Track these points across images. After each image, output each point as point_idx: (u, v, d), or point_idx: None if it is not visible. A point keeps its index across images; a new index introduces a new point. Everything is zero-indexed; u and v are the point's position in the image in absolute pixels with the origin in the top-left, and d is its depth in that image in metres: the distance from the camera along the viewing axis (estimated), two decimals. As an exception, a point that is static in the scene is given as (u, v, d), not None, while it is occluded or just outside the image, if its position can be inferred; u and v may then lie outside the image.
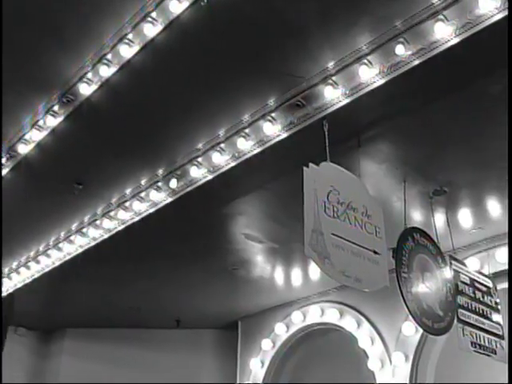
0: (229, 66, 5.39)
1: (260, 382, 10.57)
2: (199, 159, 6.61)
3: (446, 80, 5.35)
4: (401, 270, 5.89)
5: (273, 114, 5.93)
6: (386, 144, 6.29)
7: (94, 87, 5.68)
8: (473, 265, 7.95)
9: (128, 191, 7.34)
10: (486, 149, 6.39)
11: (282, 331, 10.49)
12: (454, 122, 5.93)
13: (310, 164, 5.09)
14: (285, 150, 6.15)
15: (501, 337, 7.15)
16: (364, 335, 9.39)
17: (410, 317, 5.94)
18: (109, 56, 5.42)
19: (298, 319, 10.32)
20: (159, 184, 7.08)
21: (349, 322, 9.62)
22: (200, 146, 6.50)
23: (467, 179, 6.99)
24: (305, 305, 10.33)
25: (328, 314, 9.94)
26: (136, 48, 5.28)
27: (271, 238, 8.13)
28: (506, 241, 8.18)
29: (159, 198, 7.20)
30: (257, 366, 10.65)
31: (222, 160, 6.50)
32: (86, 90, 5.71)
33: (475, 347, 6.65)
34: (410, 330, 8.74)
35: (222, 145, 6.38)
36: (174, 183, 6.94)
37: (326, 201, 5.06)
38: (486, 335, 6.89)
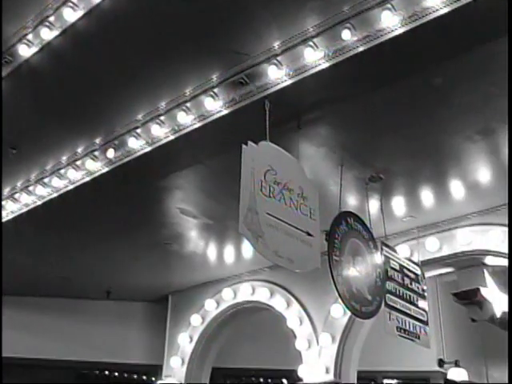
0: (173, 39, 5.34)
1: (188, 356, 10.59)
2: (138, 130, 6.54)
3: (388, 69, 5.41)
4: (333, 253, 5.94)
5: (215, 90, 5.90)
6: (325, 128, 6.34)
7: (35, 49, 5.54)
8: (403, 252, 8.12)
9: (64, 159, 7.21)
10: (423, 139, 6.50)
11: (211, 307, 10.52)
12: (394, 110, 6.02)
13: (249, 142, 5.08)
14: (225, 127, 6.14)
15: (425, 323, 7.33)
16: (293, 315, 9.48)
17: (339, 299, 6.02)
18: (51, 18, 5.29)
19: (229, 296, 10.36)
20: (96, 153, 6.98)
21: (279, 302, 9.71)
22: (140, 117, 6.43)
23: (403, 168, 7.11)
24: (236, 282, 10.38)
25: (258, 292, 10.00)
26: (80, 12, 5.17)
27: (206, 214, 8.12)
28: (437, 230, 8.39)
29: (95, 167, 7.10)
30: (185, 340, 10.67)
31: (161, 132, 6.44)
32: (25, 51, 5.56)
33: (400, 332, 6.80)
34: (339, 312, 8.88)
35: (162, 117, 6.32)
36: (111, 153, 6.85)
37: (262, 180, 5.06)
38: (412, 320, 7.05)
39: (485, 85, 5.63)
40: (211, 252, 9.47)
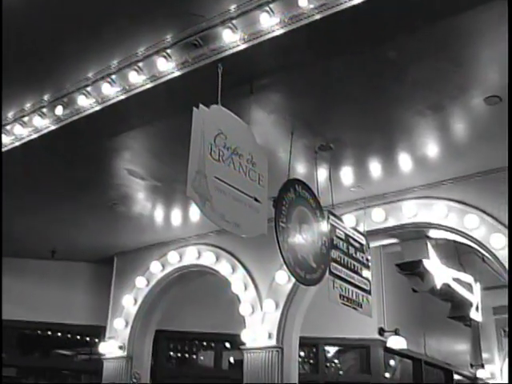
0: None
1: (131, 318, 10.58)
2: (88, 88, 6.43)
3: (344, 39, 5.41)
4: (279, 220, 5.98)
5: (168, 51, 5.82)
6: (277, 94, 6.33)
7: (-18, 4, 5.38)
8: (349, 221, 8.21)
9: (10, 114, 7.05)
10: (375, 111, 6.55)
11: (157, 270, 10.50)
12: (348, 81, 6.03)
13: (201, 105, 5.06)
14: (177, 89, 6.07)
15: (368, 292, 7.46)
16: (238, 280, 9.54)
17: (284, 266, 6.08)
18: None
19: (174, 259, 10.35)
20: (44, 110, 6.84)
21: (224, 267, 9.74)
22: (90, 75, 6.32)
23: (353, 138, 7.16)
24: (182, 246, 10.37)
25: (204, 256, 10.01)
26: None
27: (154, 175, 8.07)
28: (383, 201, 8.50)
29: (43, 124, 6.96)
30: (129, 302, 10.65)
31: (111, 92, 6.34)
32: (-28, 5, 5.39)
33: (343, 300, 6.90)
34: (283, 279, 8.95)
35: (113, 76, 6.22)
36: (59, 110, 6.73)
37: (212, 144, 5.05)
38: (355, 289, 7.17)
39: (439, 61, 5.69)
40: (158, 214, 9.43)
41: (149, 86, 6.13)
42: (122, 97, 6.32)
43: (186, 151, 4.87)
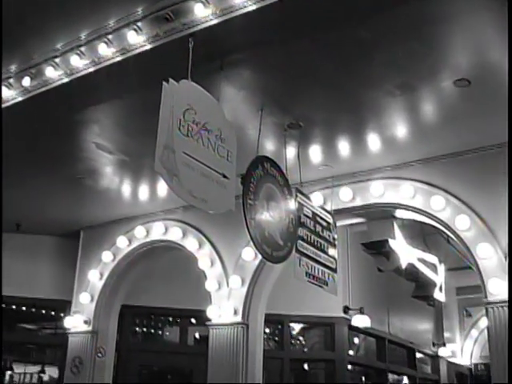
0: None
1: (97, 293, 10.55)
2: (57, 60, 6.34)
3: (316, 18, 5.39)
4: (247, 197, 5.98)
5: (139, 24, 5.77)
6: (248, 71, 6.30)
7: None
8: (317, 200, 8.24)
9: (-25, 84, 6.94)
10: (344, 90, 6.56)
11: (123, 245, 10.46)
12: (319, 60, 6.03)
13: (170, 80, 5.02)
14: (147, 63, 6.02)
15: (334, 270, 7.52)
16: (204, 256, 9.54)
17: (251, 243, 6.09)
18: None
19: (141, 234, 10.31)
20: (11, 81, 6.73)
21: (191, 242, 9.73)
22: (59, 46, 6.23)
23: (322, 117, 7.18)
24: (149, 221, 10.33)
25: (171, 232, 9.99)
26: None
27: (122, 150, 8.00)
28: (351, 180, 8.55)
29: (9, 95, 6.85)
30: (95, 277, 10.61)
31: (80, 64, 6.26)
32: None
33: (309, 277, 6.96)
34: (250, 256, 8.98)
35: (83, 48, 6.15)
36: (27, 81, 6.63)
37: (181, 119, 5.02)
38: (321, 267, 7.23)
39: (409, 41, 5.71)
40: (125, 189, 9.38)
41: (118, 58, 6.07)
42: (91, 69, 6.25)
43: (155, 126, 4.85)
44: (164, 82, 4.96)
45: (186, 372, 11.50)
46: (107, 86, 6.57)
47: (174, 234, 9.94)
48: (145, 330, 12.06)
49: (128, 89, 6.57)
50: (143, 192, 9.47)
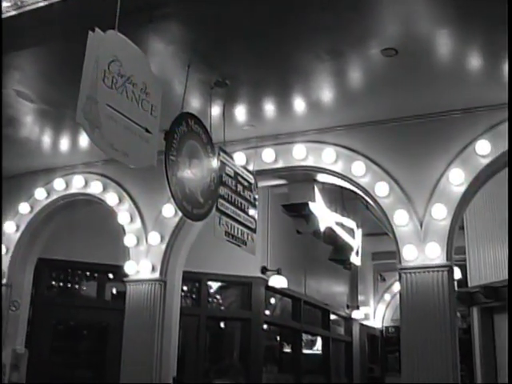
0: None
1: (13, 245, 10.31)
2: (-24, 1, 6.10)
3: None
4: (169, 153, 5.94)
5: (68, -31, 5.59)
6: (177, 25, 6.19)
7: None
8: (239, 159, 8.25)
9: None
10: (273, 51, 6.55)
11: (41, 197, 10.23)
12: (249, 19, 5.97)
13: (97, 29, 4.87)
14: (73, 10, 5.83)
15: (253, 230, 7.59)
16: (124, 211, 9.44)
17: (172, 199, 6.07)
18: None
19: (60, 187, 10.10)
20: None
21: (111, 197, 9.60)
22: (-21, -14, 5.99)
23: (249, 76, 7.15)
24: (69, 173, 10.11)
25: (91, 185, 9.82)
26: None
27: (44, 99, 7.77)
28: (274, 142, 8.58)
29: None
30: (11, 229, 10.36)
31: (1, 5, 6.03)
32: None
33: (228, 237, 7.00)
34: (170, 212, 8.95)
35: (5, -10, 5.93)
36: None
37: (106, 70, 4.90)
38: (240, 227, 7.27)
39: (340, 7, 5.72)
40: (46, 140, 9.13)
41: (43, 4, 5.86)
42: (14, 12, 6.01)
43: (79, 76, 4.71)
44: (90, 31, 4.82)
45: (102, 327, 11.46)
46: (31, 31, 6.32)
47: (94, 187, 9.78)
48: (61, 284, 11.90)
49: (53, 36, 6.35)
50: (64, 143, 9.25)
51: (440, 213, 7.53)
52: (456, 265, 7.90)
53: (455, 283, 7.89)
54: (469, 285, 13.63)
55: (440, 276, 7.38)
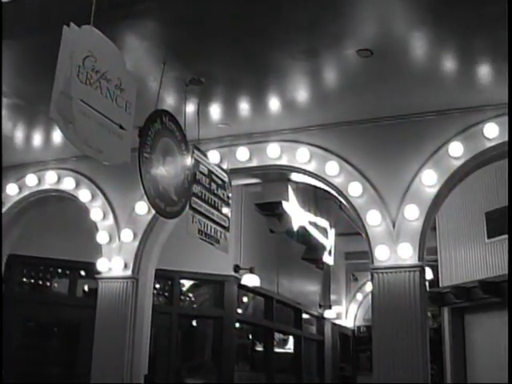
0: None
1: (-18, 241, 10.22)
2: (-51, -7, 6.01)
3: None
4: (143, 150, 5.92)
5: (41, -37, 5.54)
6: (152, 22, 6.15)
7: None
8: (214, 158, 8.25)
9: None
10: (249, 49, 6.54)
11: (13, 192, 10.11)
12: (225, 17, 5.96)
13: (72, 24, 4.84)
14: (48, 4, 5.78)
15: (226, 228, 7.59)
16: (97, 208, 9.38)
17: (145, 197, 6.05)
18: None
19: (33, 182, 10.00)
20: None
21: (83, 193, 9.53)
22: (-48, -22, 5.91)
23: (225, 75, 7.14)
24: (41, 169, 10.01)
25: (64, 181, 9.73)
26: None
27: (18, 93, 7.68)
28: (249, 141, 8.59)
29: None
30: (-18, 224, 10.27)
31: (-26, -1, 5.95)
32: None
33: (201, 235, 6.99)
34: (143, 210, 8.90)
35: (-21, -17, 5.85)
36: None
37: (80, 65, 4.86)
38: (213, 225, 7.27)
39: (316, 7, 5.73)
40: (18, 135, 9.04)
41: (18, -3, 5.81)
42: (-13, 6, 5.96)
43: (53, 71, 4.68)
44: (65, 26, 4.78)
45: (73, 325, 11.37)
46: (5, 25, 6.27)
47: (67, 183, 9.70)
48: (32, 280, 11.78)
49: (28, 30, 6.29)
50: (37, 139, 9.15)
51: (412, 213, 7.59)
52: (428, 265, 8.00)
53: (427, 283, 7.97)
54: (440, 285, 13.77)
55: (412, 276, 7.44)
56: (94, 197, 9.47)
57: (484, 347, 13.03)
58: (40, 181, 9.99)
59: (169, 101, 7.52)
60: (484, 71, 6.86)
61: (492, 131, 7.45)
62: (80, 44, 4.91)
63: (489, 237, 12.78)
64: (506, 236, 12.16)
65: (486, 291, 12.38)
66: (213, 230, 7.25)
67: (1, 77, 5.84)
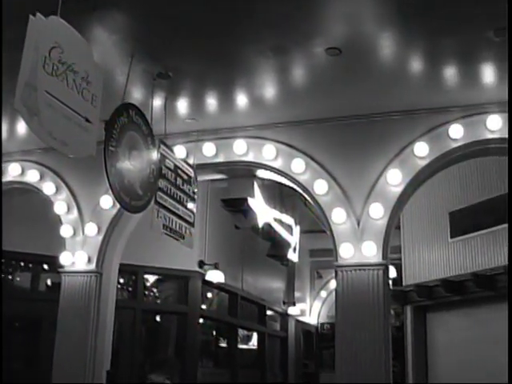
0: None
1: None
2: None
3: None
4: (109, 143, 5.88)
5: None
6: (121, 14, 6.09)
7: None
8: (180, 153, 8.25)
9: None
10: (218, 45, 6.54)
11: (-24, 184, 10.00)
12: (195, 11, 5.93)
13: (38, 14, 4.77)
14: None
15: (191, 224, 7.59)
16: (61, 201, 9.28)
17: (110, 190, 6.00)
18: None
19: (-4, 174, 9.89)
20: None
21: (48, 186, 9.42)
22: None
23: (193, 69, 7.12)
24: (5, 160, 9.83)
25: (28, 174, 9.61)
26: None
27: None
28: (215, 136, 8.57)
29: None
30: None
31: None
32: None
33: (166, 230, 6.98)
34: (108, 204, 8.84)
35: None
36: None
37: (46, 56, 4.80)
38: (178, 220, 7.26)
39: (286, 4, 5.75)
40: (-19, 126, 8.93)
41: (-18, -14, 5.71)
42: (-49, -4, 5.85)
43: (19, 62, 4.61)
44: (31, 16, 4.72)
45: (36, 319, 11.24)
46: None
47: (31, 175, 9.58)
48: (-6, 274, 11.66)
49: (-7, 20, 6.22)
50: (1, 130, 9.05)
51: (377, 212, 7.65)
52: (391, 264, 8.05)
53: (390, 282, 8.04)
54: (403, 283, 13.91)
55: (375, 274, 7.50)
56: (58, 190, 9.36)
57: (445, 345, 13.21)
58: (3, 172, 9.85)
59: (136, 94, 7.47)
60: (450, 72, 6.93)
61: (457, 132, 7.55)
62: (46, 35, 4.84)
63: (452, 236, 12.96)
64: (468, 235, 12.36)
65: (448, 290, 12.57)
66: (178, 225, 7.24)
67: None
